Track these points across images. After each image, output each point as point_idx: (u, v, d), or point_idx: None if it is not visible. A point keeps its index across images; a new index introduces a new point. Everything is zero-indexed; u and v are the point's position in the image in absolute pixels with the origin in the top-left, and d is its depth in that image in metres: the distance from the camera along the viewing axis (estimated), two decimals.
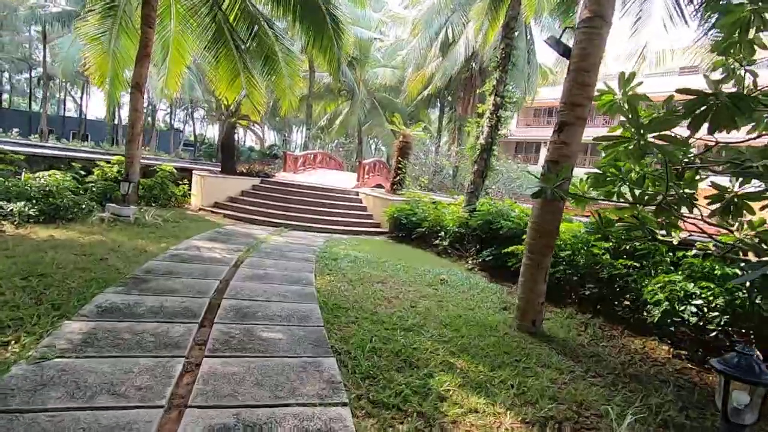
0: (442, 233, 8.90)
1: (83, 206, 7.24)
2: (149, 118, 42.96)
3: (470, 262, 8.07)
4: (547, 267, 4.59)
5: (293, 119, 42.14)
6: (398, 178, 11.51)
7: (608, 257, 5.82)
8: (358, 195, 11.93)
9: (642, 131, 2.59)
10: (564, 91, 4.41)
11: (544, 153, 35.64)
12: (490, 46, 19.99)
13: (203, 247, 6.47)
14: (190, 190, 11.01)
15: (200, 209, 10.43)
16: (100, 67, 11.48)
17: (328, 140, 36.60)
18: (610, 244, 5.80)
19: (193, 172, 11.18)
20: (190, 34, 11.51)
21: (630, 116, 2.66)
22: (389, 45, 30.52)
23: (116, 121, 36.90)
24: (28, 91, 41.75)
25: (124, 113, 47.65)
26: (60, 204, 6.78)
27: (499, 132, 9.15)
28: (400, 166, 11.43)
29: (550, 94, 31.82)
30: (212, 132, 51.32)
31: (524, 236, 6.96)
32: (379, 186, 16.48)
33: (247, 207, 10.43)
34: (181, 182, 10.98)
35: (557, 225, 4.54)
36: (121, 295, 3.99)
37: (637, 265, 5.66)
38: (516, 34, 9.17)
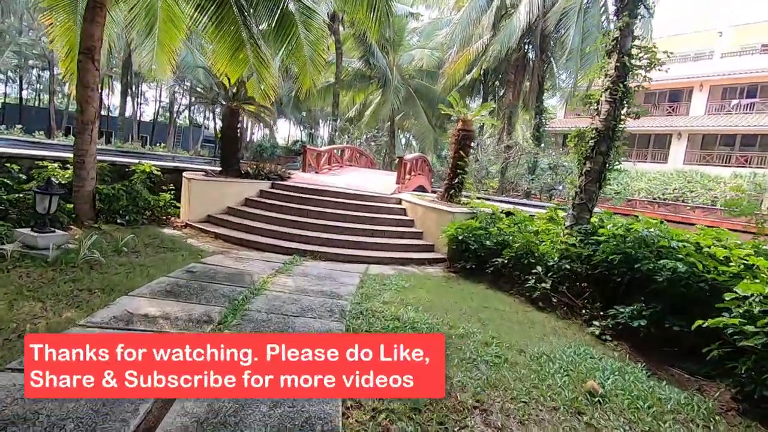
0: (539, 268, 5.76)
1: None
2: (167, 113, 41.22)
3: (595, 322, 4.93)
4: None
5: (320, 113, 39.46)
6: (457, 180, 8.24)
7: None
8: (400, 203, 8.84)
9: None
10: None
11: None
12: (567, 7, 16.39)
13: (143, 316, 3.60)
14: (177, 198, 8.25)
15: (186, 225, 7.62)
16: (68, 39, 8.87)
17: (357, 134, 33.65)
18: None
19: (183, 173, 8.40)
20: None
21: None
22: (426, 24, 27.24)
23: (128, 114, 35.06)
24: (51, 88, 40.56)
25: (144, 107, 46.25)
26: None
27: (625, 112, 5.93)
28: (459, 163, 8.19)
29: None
30: None
31: (722, 295, 3.82)
32: (421, 188, 13.36)
33: (249, 223, 7.51)
34: (167, 187, 8.23)
35: None
36: None
37: None
38: None
